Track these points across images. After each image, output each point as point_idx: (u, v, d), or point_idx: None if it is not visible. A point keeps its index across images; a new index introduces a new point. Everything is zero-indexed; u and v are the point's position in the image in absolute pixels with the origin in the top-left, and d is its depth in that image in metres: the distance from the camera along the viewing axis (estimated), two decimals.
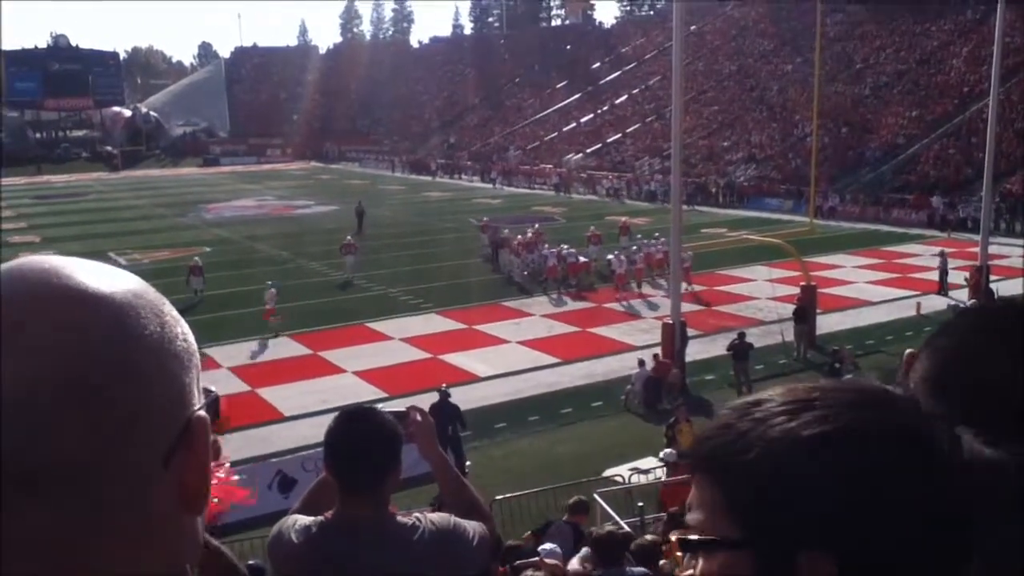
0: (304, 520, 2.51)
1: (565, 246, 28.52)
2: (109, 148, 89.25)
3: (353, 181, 67.43)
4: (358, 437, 2.43)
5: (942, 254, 27.03)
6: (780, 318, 21.65)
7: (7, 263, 0.69)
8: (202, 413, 0.73)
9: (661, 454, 12.36)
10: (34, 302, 0.65)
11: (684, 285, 25.51)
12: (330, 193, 57.78)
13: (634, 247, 28.40)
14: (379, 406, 2.68)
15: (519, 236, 30.21)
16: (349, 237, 30.79)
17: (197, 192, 60.83)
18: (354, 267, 29.14)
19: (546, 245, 29.30)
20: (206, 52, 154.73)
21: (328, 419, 2.49)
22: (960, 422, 1.04)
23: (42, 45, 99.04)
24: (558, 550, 8.31)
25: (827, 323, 21.81)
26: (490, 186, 62.04)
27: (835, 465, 0.71)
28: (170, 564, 0.71)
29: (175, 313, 0.73)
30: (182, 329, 0.73)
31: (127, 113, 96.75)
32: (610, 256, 27.71)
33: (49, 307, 0.65)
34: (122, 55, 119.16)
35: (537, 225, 32.90)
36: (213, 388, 0.77)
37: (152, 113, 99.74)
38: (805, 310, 20.67)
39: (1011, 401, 1.05)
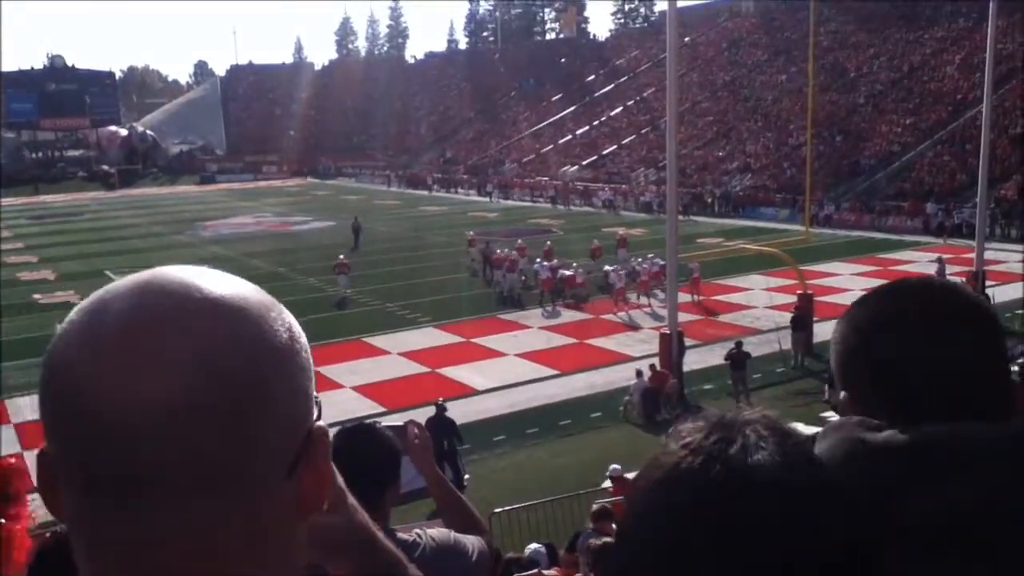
0: None
1: (556, 261, 28.57)
2: (106, 167, 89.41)
3: (349, 197, 67.54)
4: (356, 453, 2.44)
5: (940, 260, 27.10)
6: (777, 327, 21.68)
7: (141, 274, 0.70)
8: (322, 423, 0.75)
9: (608, 471, 12.24)
10: (177, 316, 0.66)
11: (695, 296, 25.62)
12: (327, 209, 57.86)
13: (637, 259, 28.20)
14: (377, 421, 2.70)
15: (498, 251, 29.96)
16: (342, 256, 30.26)
17: (194, 210, 60.89)
18: (347, 286, 28.79)
19: (538, 259, 29.17)
20: (202, 70, 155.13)
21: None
22: (868, 392, 1.10)
23: (38, 66, 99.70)
24: (543, 550, 8.29)
25: (825, 331, 21.82)
26: (487, 199, 62.18)
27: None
28: (285, 568, 0.73)
29: (297, 325, 0.75)
30: (304, 341, 0.74)
31: (123, 132, 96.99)
32: (607, 268, 27.80)
33: (192, 321, 0.66)
34: (118, 74, 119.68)
35: (520, 240, 32.67)
36: (319, 397, 0.78)
37: (148, 132, 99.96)
38: (803, 318, 20.72)
39: (913, 374, 1.08)
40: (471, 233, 35.62)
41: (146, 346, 0.64)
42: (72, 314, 0.69)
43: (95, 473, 0.65)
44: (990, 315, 1.14)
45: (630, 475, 12.26)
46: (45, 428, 0.67)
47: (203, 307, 0.67)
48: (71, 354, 0.66)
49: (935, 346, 1.08)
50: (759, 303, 25.30)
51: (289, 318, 0.73)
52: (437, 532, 2.56)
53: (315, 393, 0.75)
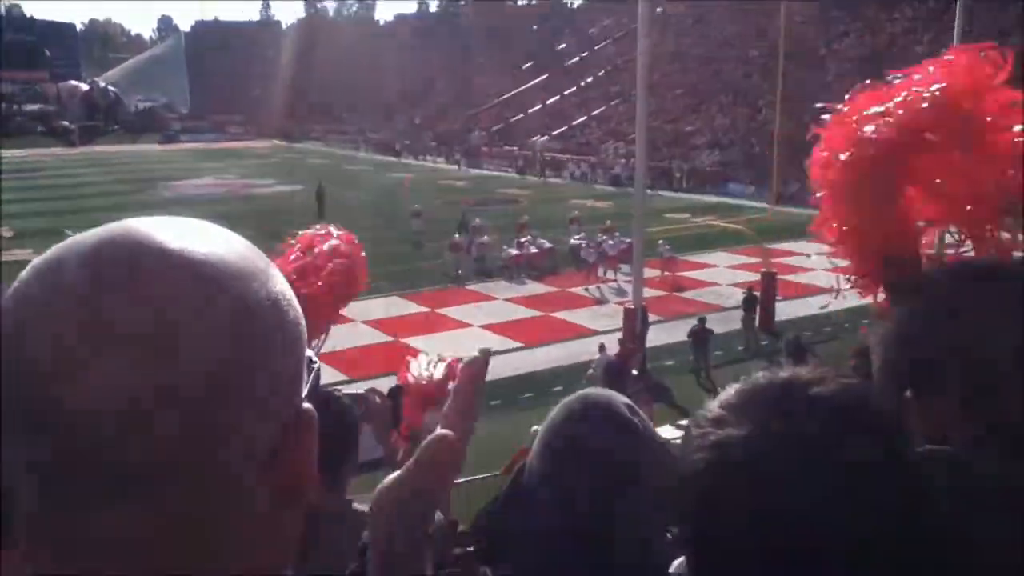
0: None
1: (526, 237, 28.36)
2: (66, 123, 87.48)
3: (316, 160, 66.76)
4: None
5: None
6: (740, 304, 21.82)
7: (103, 230, 0.66)
8: (308, 406, 0.68)
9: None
10: (132, 286, 0.60)
11: (663, 272, 25.54)
12: (293, 173, 57.15)
13: (603, 237, 27.89)
14: (337, 388, 2.66)
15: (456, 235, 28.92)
16: (457, 236, 28.19)
17: (157, 169, 59.84)
18: (467, 264, 27.16)
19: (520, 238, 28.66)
20: (166, 26, 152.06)
21: None
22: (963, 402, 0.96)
23: None
24: None
25: (786, 310, 22.03)
26: (455, 168, 61.77)
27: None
28: (269, 561, 0.68)
29: (288, 292, 0.67)
30: (294, 313, 0.67)
31: (84, 87, 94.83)
32: (574, 240, 27.71)
33: (149, 292, 0.60)
34: (79, 27, 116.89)
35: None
36: (315, 359, 0.71)
37: (110, 88, 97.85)
38: (753, 298, 20.73)
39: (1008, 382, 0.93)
40: (416, 206, 34.84)
41: (97, 321, 0.58)
42: (26, 275, 0.62)
43: (44, 461, 0.58)
44: None
45: None
46: None
47: (164, 274, 0.61)
48: (22, 328, 0.59)
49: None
50: (723, 280, 25.44)
51: (277, 286, 0.66)
52: None
53: (307, 361, 0.69)
